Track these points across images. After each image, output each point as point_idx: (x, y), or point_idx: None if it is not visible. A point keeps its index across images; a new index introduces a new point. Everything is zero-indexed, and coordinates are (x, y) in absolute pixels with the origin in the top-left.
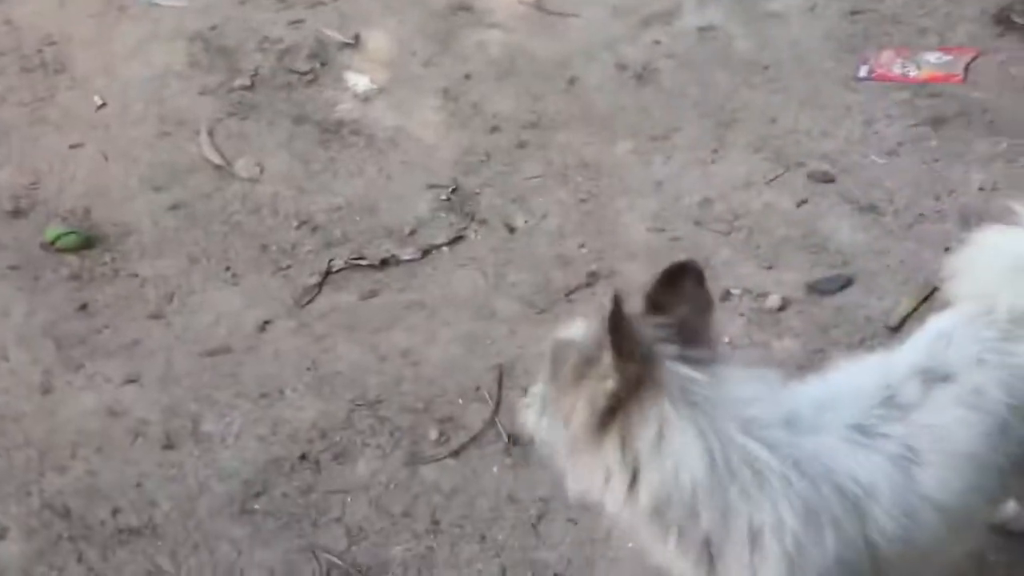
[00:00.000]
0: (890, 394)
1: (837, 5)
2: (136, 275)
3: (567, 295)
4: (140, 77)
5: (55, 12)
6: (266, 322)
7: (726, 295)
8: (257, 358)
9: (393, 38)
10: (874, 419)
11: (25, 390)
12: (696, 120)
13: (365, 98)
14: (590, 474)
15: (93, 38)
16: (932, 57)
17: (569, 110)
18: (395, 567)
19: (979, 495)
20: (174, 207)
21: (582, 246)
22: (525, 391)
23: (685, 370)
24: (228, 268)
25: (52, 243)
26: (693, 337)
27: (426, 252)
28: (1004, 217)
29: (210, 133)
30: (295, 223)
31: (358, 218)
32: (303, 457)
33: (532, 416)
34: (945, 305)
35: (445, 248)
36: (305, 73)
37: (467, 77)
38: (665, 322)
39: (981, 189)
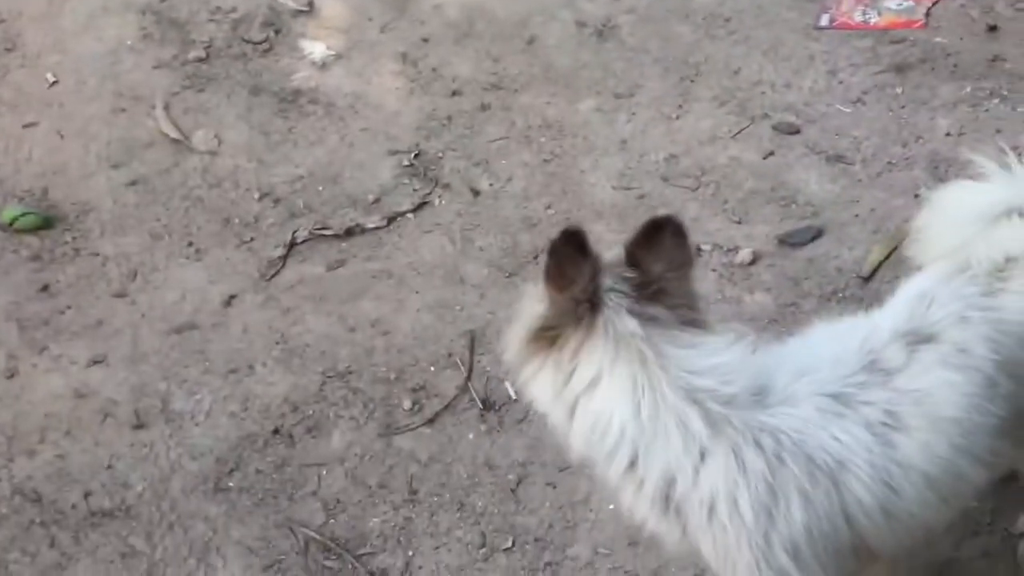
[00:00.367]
0: (872, 359)
1: None
2: (97, 254)
3: (536, 258)
4: (92, 52)
5: None
6: (232, 297)
7: (696, 252)
8: (225, 333)
9: (348, 3)
10: (854, 387)
11: None
12: (659, 75)
13: (322, 66)
14: (539, 394)
15: (43, 14)
16: (892, 3)
17: (530, 70)
18: (374, 539)
19: (965, 459)
20: (133, 183)
21: (549, 207)
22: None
23: (633, 324)
24: (191, 243)
25: (10, 224)
26: (671, 293)
27: (391, 220)
28: (968, 169)
29: (166, 107)
30: (257, 195)
31: (321, 188)
32: (276, 432)
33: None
34: (915, 254)
35: (410, 215)
36: (260, 42)
37: (425, 40)
38: (630, 274)
39: (948, 134)
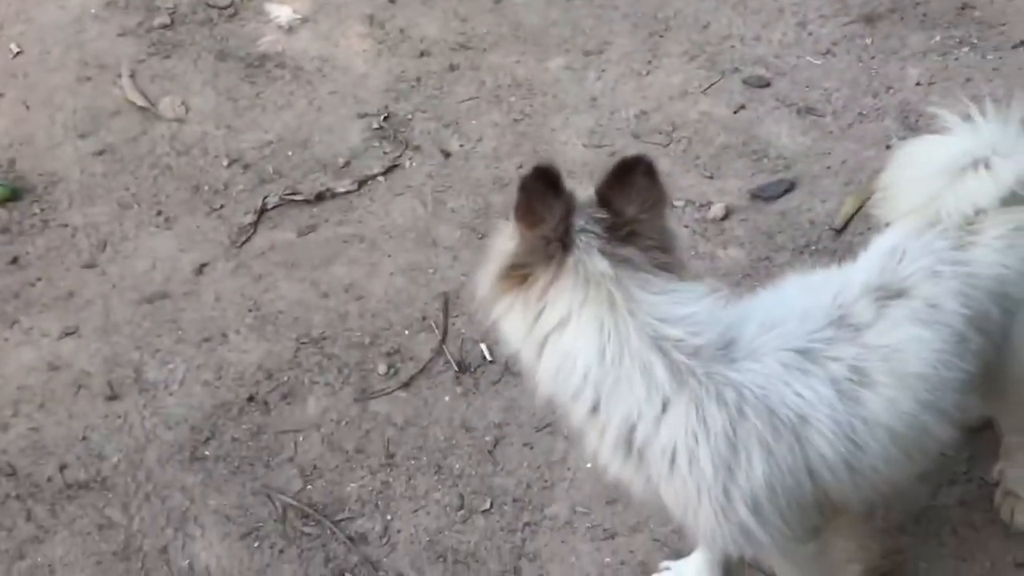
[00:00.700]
0: (841, 314)
1: None
2: (66, 225)
3: (508, 218)
4: (56, 21)
5: None
6: (203, 265)
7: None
8: (197, 302)
9: None
10: (821, 342)
11: None
12: (628, 31)
13: (289, 29)
14: (510, 333)
15: None
16: None
17: (498, 29)
18: (352, 504)
19: (931, 415)
20: (101, 153)
21: (520, 167)
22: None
23: (604, 265)
24: (160, 212)
25: None
26: (644, 235)
27: (362, 183)
28: (932, 124)
29: (132, 75)
30: (225, 162)
31: (290, 153)
32: (251, 399)
33: None
34: (884, 211)
35: (381, 178)
36: (225, 7)
37: (392, 1)
38: (602, 215)
39: (918, 84)
